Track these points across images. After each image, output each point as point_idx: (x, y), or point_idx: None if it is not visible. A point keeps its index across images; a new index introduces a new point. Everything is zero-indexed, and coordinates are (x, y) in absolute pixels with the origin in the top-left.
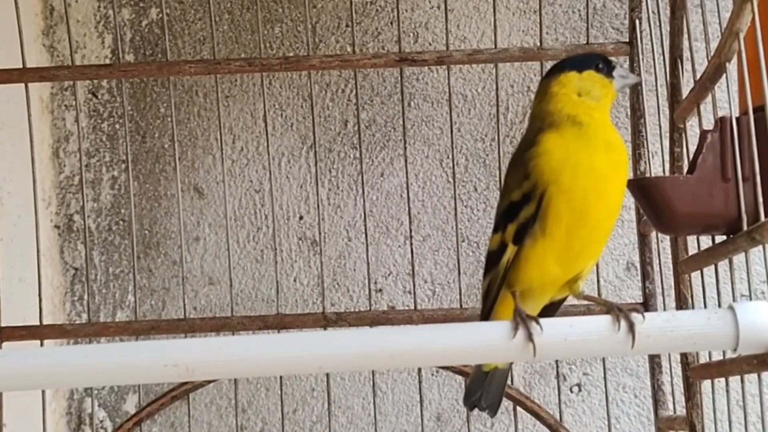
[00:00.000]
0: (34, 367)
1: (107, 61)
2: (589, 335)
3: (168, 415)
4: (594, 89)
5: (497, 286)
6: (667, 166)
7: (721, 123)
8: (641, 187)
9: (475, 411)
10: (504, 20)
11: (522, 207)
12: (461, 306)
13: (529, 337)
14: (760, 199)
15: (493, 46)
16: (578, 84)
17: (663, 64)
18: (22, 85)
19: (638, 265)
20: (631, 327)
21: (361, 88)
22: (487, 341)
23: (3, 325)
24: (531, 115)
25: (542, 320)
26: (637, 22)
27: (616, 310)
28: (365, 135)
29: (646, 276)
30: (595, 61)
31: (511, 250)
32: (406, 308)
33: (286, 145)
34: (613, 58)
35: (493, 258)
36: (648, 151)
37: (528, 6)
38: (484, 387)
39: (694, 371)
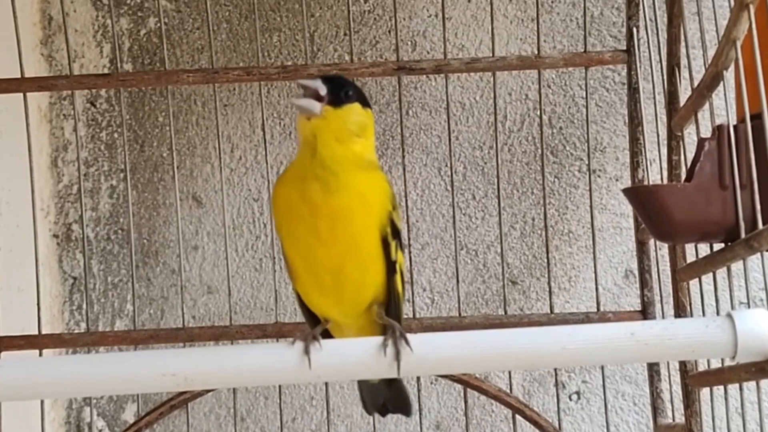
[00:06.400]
0: (32, 376)
1: (105, 71)
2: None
3: (167, 424)
4: None
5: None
6: (665, 173)
7: (719, 131)
8: (639, 195)
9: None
10: (502, 29)
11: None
12: (460, 314)
13: (306, 350)
14: (758, 207)
15: (491, 55)
16: None
17: (660, 72)
18: (21, 94)
19: (637, 273)
20: (397, 355)
21: None
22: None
23: (2, 334)
24: None
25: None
26: (635, 30)
27: (389, 336)
28: None
29: (644, 284)
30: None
31: None
32: (405, 316)
33: (285, 153)
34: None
35: None
36: (646, 159)
37: (525, 14)
38: (385, 394)
39: (692, 379)
